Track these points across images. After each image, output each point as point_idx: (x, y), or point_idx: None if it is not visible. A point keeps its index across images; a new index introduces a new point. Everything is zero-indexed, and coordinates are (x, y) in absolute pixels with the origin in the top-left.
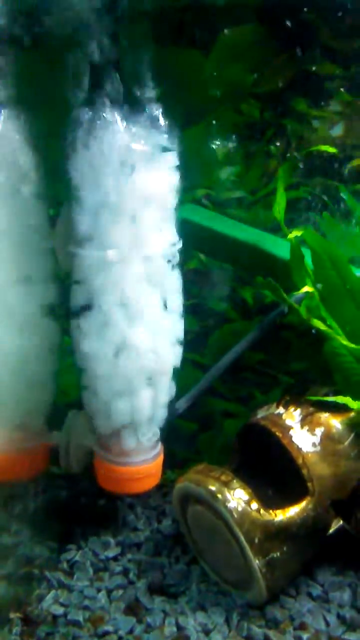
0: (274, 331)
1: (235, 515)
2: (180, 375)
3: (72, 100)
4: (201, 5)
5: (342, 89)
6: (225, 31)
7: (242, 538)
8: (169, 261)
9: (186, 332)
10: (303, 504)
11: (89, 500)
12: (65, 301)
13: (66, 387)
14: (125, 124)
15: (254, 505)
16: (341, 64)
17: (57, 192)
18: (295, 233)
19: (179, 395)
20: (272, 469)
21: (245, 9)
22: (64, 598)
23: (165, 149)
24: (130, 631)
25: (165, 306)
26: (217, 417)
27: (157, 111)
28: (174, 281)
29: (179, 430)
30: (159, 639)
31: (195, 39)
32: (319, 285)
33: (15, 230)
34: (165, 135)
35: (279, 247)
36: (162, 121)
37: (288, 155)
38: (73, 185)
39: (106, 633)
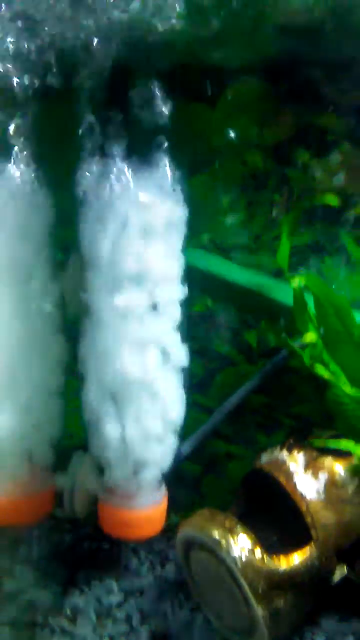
0: (277, 374)
1: (239, 564)
2: (185, 418)
3: (83, 151)
4: (209, 64)
5: (343, 140)
6: (231, 87)
7: (245, 586)
8: (173, 308)
9: (191, 374)
10: (307, 551)
11: (93, 545)
12: (72, 344)
13: (71, 429)
14: (133, 174)
15: (258, 552)
16: (342, 117)
17: (67, 237)
18: (297, 280)
19: (183, 437)
20: (276, 514)
21: (251, 67)
22: None
23: (171, 199)
24: None
25: (170, 352)
26: (221, 459)
27: (165, 162)
28: (179, 326)
29: (183, 473)
30: None
31: (202, 94)
32: (322, 330)
33: (26, 275)
34: (172, 186)
35: (283, 292)
36: (169, 172)
37: (291, 203)
38: (82, 233)
39: None
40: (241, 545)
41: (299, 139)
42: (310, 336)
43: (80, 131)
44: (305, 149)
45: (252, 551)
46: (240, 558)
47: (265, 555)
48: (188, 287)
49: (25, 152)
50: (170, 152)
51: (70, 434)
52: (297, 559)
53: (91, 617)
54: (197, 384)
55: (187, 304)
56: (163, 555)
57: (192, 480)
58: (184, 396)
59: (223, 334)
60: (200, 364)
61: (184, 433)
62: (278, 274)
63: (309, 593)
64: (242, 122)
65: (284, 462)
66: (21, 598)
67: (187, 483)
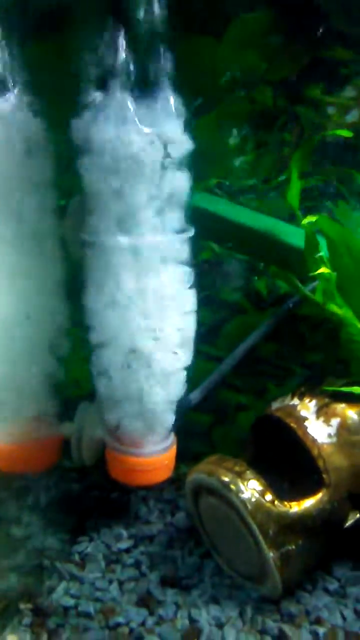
0: (289, 322)
1: (249, 507)
2: (194, 367)
3: (82, 86)
4: None
5: (357, 74)
6: (238, 18)
7: (256, 530)
8: (178, 248)
9: (199, 323)
10: (319, 496)
11: (101, 493)
12: (75, 290)
13: (78, 378)
14: (135, 108)
15: (268, 496)
16: (355, 50)
17: (67, 182)
18: (309, 219)
19: (192, 387)
20: (287, 462)
21: None
22: (75, 590)
23: (176, 134)
24: (142, 623)
25: (177, 293)
26: (231, 410)
27: (169, 95)
28: (185, 268)
29: (193, 423)
30: (171, 632)
31: (207, 26)
32: (335, 274)
33: (24, 217)
34: (177, 120)
35: (293, 236)
36: (173, 105)
37: (302, 143)
38: (82, 171)
39: (117, 625)
40: (251, 489)
41: (309, 74)
42: (323, 269)
43: (79, 63)
44: (317, 84)
45: (262, 494)
46: (250, 500)
47: (275, 499)
48: (195, 232)
49: (20, 89)
50: (174, 89)
51: (76, 383)
52: (308, 502)
53: (100, 563)
54: (204, 333)
55: (193, 251)
56: (172, 504)
57: (202, 431)
58: (192, 340)
59: (231, 281)
60: (207, 313)
61: (192, 383)
62: (288, 219)
63: (321, 538)
64: (249, 57)
65: (294, 408)
66: (28, 545)
67: (197, 434)
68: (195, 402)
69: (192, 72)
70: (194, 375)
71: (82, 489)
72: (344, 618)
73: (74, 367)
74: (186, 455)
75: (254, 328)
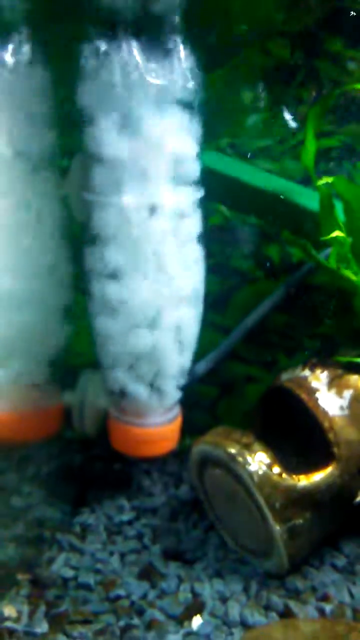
0: (301, 291)
1: (256, 479)
2: (201, 338)
3: (87, 36)
4: None
5: None
6: None
7: (262, 503)
8: (188, 206)
9: (207, 292)
10: (329, 469)
11: (104, 465)
12: (79, 257)
13: (80, 347)
14: (142, 58)
15: (276, 469)
16: None
17: (70, 142)
18: (325, 180)
19: (198, 357)
20: (296, 436)
21: None
22: (75, 561)
23: (186, 86)
24: (144, 596)
25: (184, 256)
26: (238, 382)
27: (179, 45)
28: (193, 229)
29: (199, 396)
30: (173, 605)
31: None
32: (350, 239)
33: (26, 176)
34: (187, 71)
35: (308, 199)
36: (183, 56)
37: (320, 98)
38: (87, 127)
39: (118, 597)
40: (258, 461)
41: (330, 26)
42: (338, 233)
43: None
44: (337, 37)
45: (269, 466)
46: (257, 473)
47: (283, 472)
48: (205, 194)
49: (25, 40)
50: (184, 41)
51: (79, 352)
52: (318, 476)
53: (101, 534)
54: (213, 302)
55: (202, 215)
56: (176, 476)
57: (208, 404)
58: (200, 310)
59: (241, 248)
60: (216, 281)
61: (199, 354)
62: (303, 182)
63: (330, 513)
64: (265, 5)
65: (305, 380)
66: (28, 515)
67: (203, 406)
68: (202, 374)
69: (203, 22)
70: (201, 346)
71: (84, 459)
72: (351, 595)
73: (77, 335)
74: (191, 428)
75: (265, 297)
